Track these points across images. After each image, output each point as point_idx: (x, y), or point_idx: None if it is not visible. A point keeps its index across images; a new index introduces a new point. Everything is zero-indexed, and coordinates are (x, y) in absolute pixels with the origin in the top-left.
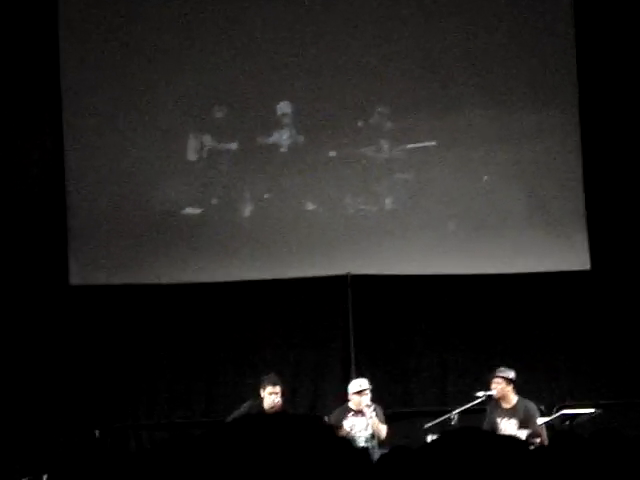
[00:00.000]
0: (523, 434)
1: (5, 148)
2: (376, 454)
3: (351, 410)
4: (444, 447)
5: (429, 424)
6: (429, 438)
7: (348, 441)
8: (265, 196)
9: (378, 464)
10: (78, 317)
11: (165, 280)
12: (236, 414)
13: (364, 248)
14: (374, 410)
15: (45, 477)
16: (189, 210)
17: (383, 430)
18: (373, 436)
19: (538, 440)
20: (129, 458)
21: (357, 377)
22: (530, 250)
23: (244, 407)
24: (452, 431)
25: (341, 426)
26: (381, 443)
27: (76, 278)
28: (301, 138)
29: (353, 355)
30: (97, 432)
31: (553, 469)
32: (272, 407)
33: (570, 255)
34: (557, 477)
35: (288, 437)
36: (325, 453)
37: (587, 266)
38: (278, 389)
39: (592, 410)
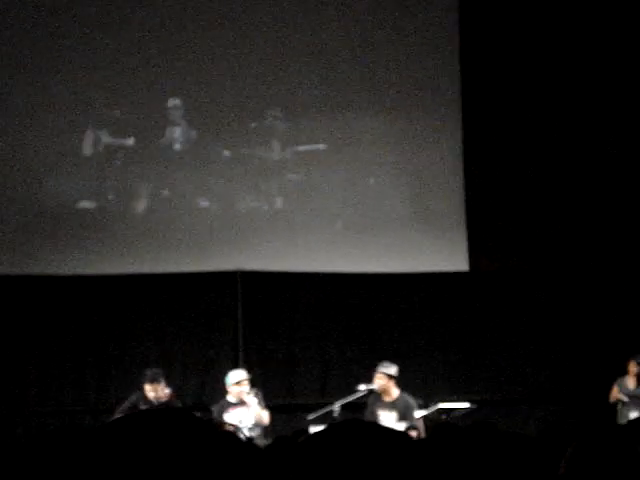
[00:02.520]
0: (402, 426)
1: None
2: (260, 443)
3: (231, 403)
4: (329, 438)
5: (312, 415)
6: (311, 430)
7: (231, 434)
8: (159, 192)
9: (264, 455)
10: None
11: (58, 271)
12: (123, 406)
13: (254, 245)
14: (255, 396)
15: None
16: (83, 204)
17: (265, 416)
18: (256, 424)
19: (415, 433)
20: (16, 447)
21: (240, 369)
22: (412, 250)
23: (130, 399)
24: (337, 423)
25: (224, 422)
26: (265, 430)
27: None
28: (195, 136)
29: (241, 348)
30: None
31: (433, 460)
32: (157, 400)
33: (450, 256)
34: (437, 468)
35: (168, 434)
36: (207, 447)
37: (465, 267)
38: (155, 385)
39: (467, 405)
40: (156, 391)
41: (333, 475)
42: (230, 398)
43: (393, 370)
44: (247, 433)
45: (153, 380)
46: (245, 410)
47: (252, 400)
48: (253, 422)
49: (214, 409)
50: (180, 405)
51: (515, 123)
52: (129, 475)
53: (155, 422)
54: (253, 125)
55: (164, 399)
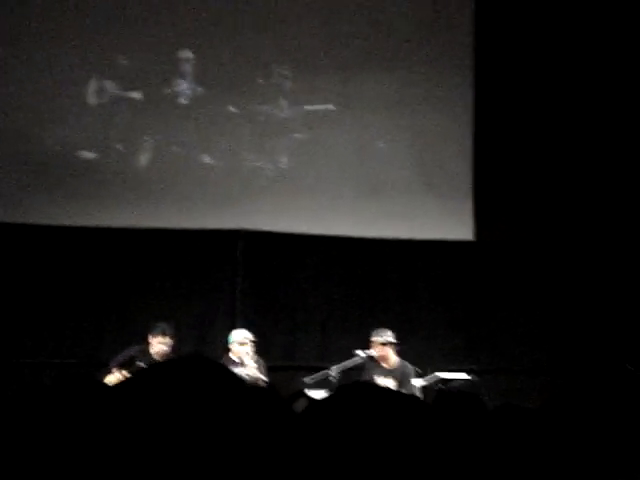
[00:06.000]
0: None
1: None
2: None
3: (232, 361)
4: (344, 401)
5: (308, 378)
6: (308, 392)
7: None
8: (163, 146)
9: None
10: None
11: (56, 222)
12: (118, 359)
13: (258, 205)
14: (257, 362)
15: None
16: (84, 153)
17: (261, 382)
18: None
19: None
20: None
21: (239, 328)
22: (418, 216)
23: (126, 352)
24: (349, 385)
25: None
26: None
27: None
28: (202, 91)
29: (239, 308)
30: None
31: (437, 425)
32: (158, 355)
33: (456, 224)
34: (445, 434)
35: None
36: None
37: (471, 236)
38: (167, 339)
39: (465, 375)
40: (166, 344)
41: (344, 439)
42: (232, 356)
43: (390, 337)
44: None
45: (165, 333)
46: (244, 371)
47: (252, 363)
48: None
49: None
50: None
51: (528, 90)
52: (159, 425)
53: (186, 371)
54: (260, 81)
55: (166, 355)
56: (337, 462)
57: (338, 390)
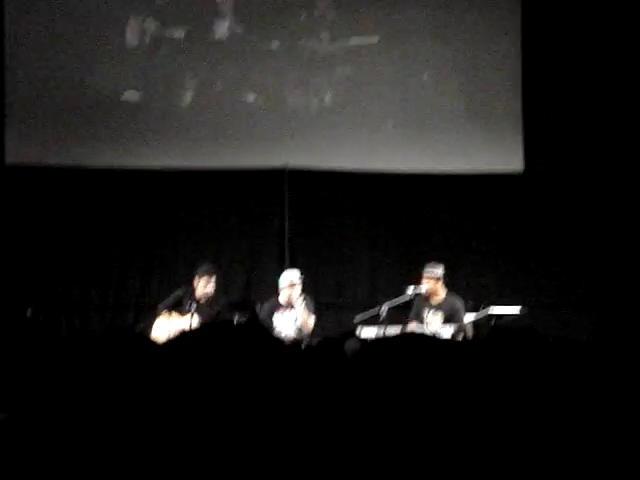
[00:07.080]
0: (448, 329)
1: None
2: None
3: (281, 304)
4: (383, 351)
5: (359, 316)
6: (359, 330)
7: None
8: (206, 85)
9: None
10: (13, 196)
11: (100, 164)
12: (166, 301)
13: (302, 142)
14: (303, 300)
15: None
16: (128, 95)
17: (311, 321)
18: (301, 329)
19: (462, 336)
20: (59, 341)
21: (289, 268)
22: (465, 149)
23: (175, 294)
24: (399, 336)
25: (271, 324)
26: (310, 334)
27: (12, 157)
28: (243, 28)
29: (287, 246)
30: (29, 310)
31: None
32: (205, 296)
33: (504, 157)
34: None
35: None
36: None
37: (520, 168)
38: (213, 280)
39: (517, 310)
40: (209, 285)
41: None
42: (281, 299)
43: (440, 271)
44: (293, 335)
45: (210, 273)
46: (293, 313)
47: (300, 304)
48: (299, 326)
49: (264, 308)
50: (225, 302)
51: (579, 18)
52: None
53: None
54: (303, 16)
55: (210, 295)
56: (388, 407)
57: (388, 339)
